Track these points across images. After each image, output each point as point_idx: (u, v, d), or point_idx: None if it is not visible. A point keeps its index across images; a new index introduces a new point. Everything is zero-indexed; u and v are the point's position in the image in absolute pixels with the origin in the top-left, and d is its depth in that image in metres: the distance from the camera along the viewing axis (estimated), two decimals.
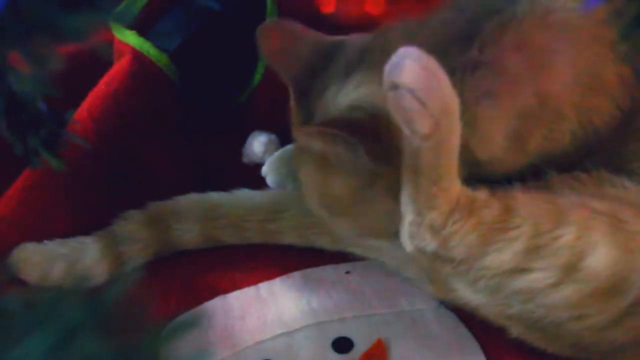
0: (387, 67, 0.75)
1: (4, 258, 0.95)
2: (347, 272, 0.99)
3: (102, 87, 1.04)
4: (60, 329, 0.50)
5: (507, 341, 0.90)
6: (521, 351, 0.90)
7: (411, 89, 0.75)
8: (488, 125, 0.82)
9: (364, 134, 0.79)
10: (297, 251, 1.02)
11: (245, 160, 1.13)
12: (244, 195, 1.03)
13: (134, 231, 1.01)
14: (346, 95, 0.84)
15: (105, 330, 0.51)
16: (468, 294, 0.87)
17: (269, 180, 1.08)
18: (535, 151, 0.85)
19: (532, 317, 0.84)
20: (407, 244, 0.83)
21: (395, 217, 0.84)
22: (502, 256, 0.81)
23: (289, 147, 1.10)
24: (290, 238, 1.01)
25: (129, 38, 1.09)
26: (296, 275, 0.99)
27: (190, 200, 1.03)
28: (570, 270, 0.80)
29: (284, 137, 1.13)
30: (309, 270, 1.00)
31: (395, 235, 0.85)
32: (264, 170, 1.09)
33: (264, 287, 0.98)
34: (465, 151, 0.81)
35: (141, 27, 1.11)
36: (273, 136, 1.13)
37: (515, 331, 0.88)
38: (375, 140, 0.80)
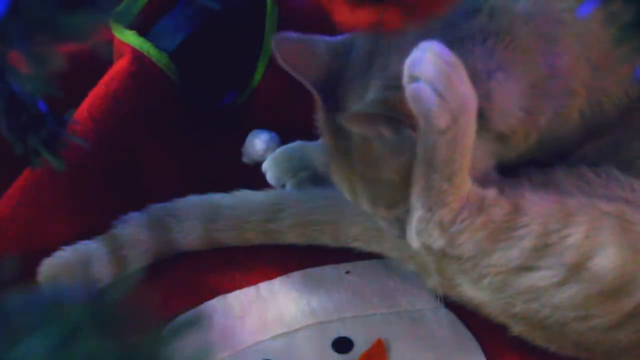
0: (408, 60, 0.76)
1: (4, 257, 0.95)
2: (347, 272, 0.99)
3: (102, 87, 1.04)
4: (61, 329, 0.50)
5: (506, 341, 0.91)
6: (521, 350, 0.90)
7: (431, 82, 0.75)
8: (506, 97, 0.81)
9: (403, 110, 0.79)
10: (297, 251, 1.02)
11: (245, 159, 1.13)
12: (244, 196, 1.03)
13: (135, 234, 1.00)
14: (376, 80, 0.83)
15: (106, 330, 0.51)
16: (472, 291, 0.87)
17: (269, 176, 1.08)
18: (546, 127, 0.85)
19: (536, 316, 0.84)
20: (414, 241, 0.83)
21: None
22: (509, 254, 0.81)
23: (289, 145, 1.10)
24: (291, 237, 1.01)
25: (129, 38, 1.09)
26: (296, 275, 0.99)
27: (190, 202, 1.02)
28: (577, 269, 0.81)
29: (283, 136, 1.13)
30: (309, 270, 1.00)
31: None
32: (265, 166, 1.09)
33: (264, 287, 0.98)
34: (486, 125, 0.81)
35: (141, 27, 1.11)
36: (274, 134, 1.13)
37: (517, 329, 0.89)
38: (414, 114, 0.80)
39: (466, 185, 0.81)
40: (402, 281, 0.97)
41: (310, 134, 1.07)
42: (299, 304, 0.96)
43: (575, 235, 0.81)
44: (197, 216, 1.01)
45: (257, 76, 1.14)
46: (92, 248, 0.99)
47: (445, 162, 0.79)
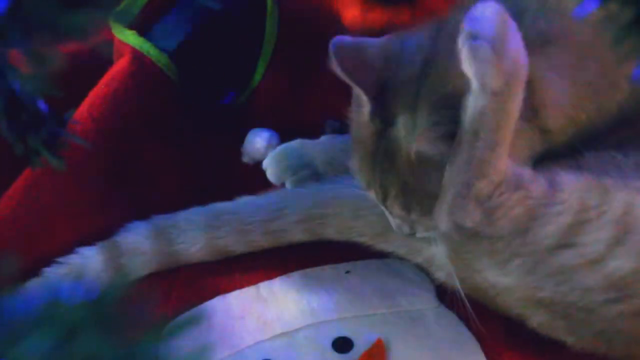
0: (467, 18, 0.76)
1: (4, 257, 0.95)
2: (347, 272, 0.99)
3: (102, 87, 1.04)
4: (60, 329, 0.50)
5: (507, 341, 0.90)
6: (521, 350, 0.90)
7: (490, 41, 0.75)
8: (558, 96, 0.82)
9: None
10: (297, 251, 1.01)
11: (245, 159, 1.13)
12: (246, 200, 1.02)
13: (137, 243, 1.00)
14: (430, 96, 0.83)
15: (105, 330, 0.51)
16: (496, 276, 0.86)
17: (269, 174, 1.08)
18: (586, 121, 0.85)
19: (564, 300, 0.84)
20: (445, 221, 0.82)
21: None
22: (545, 231, 0.81)
23: (289, 143, 1.10)
24: (295, 235, 1.01)
25: (129, 38, 1.09)
26: (296, 275, 0.99)
27: (193, 212, 1.02)
28: (615, 246, 0.80)
29: (283, 135, 1.13)
30: (309, 270, 1.00)
31: None
32: (265, 163, 1.09)
33: (264, 287, 0.98)
34: (534, 120, 0.82)
35: (141, 27, 1.11)
36: (274, 133, 1.13)
37: (537, 320, 0.88)
38: None
39: (506, 160, 0.80)
40: (403, 281, 0.97)
41: (310, 133, 1.08)
42: (299, 303, 0.96)
43: (614, 211, 0.81)
44: (200, 224, 1.01)
45: (257, 76, 1.14)
46: (92, 255, 0.99)
47: (492, 128, 0.78)
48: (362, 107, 0.87)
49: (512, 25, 0.78)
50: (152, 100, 1.08)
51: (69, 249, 0.99)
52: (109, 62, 1.09)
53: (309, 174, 1.06)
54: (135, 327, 0.53)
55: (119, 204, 1.03)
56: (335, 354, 0.91)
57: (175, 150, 1.10)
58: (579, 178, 0.83)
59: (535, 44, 0.81)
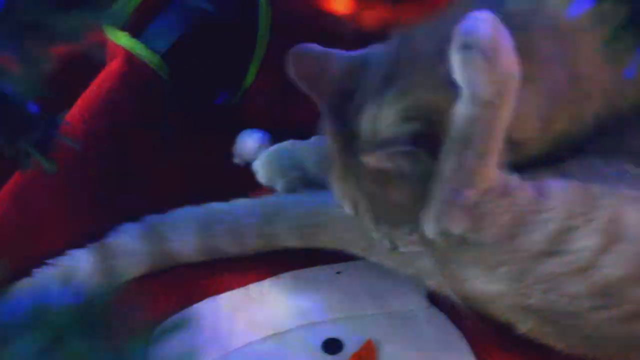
0: (462, 27, 0.77)
1: None
2: (338, 273, 0.99)
3: (95, 88, 1.04)
4: (48, 332, 0.50)
5: (497, 342, 0.91)
6: (511, 351, 0.91)
7: (484, 50, 0.76)
8: (525, 107, 0.82)
9: (426, 142, 0.80)
10: (288, 252, 1.01)
11: (237, 160, 1.13)
12: (240, 201, 1.02)
13: (128, 245, 1.00)
14: (392, 108, 0.84)
15: (93, 334, 0.51)
16: (485, 284, 0.86)
17: (260, 175, 1.08)
18: (560, 131, 0.85)
19: (552, 307, 0.84)
20: (432, 228, 0.82)
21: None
22: (533, 238, 0.81)
23: (280, 144, 1.10)
24: (288, 239, 1.00)
25: (122, 39, 1.09)
26: (286, 276, 0.99)
27: (186, 211, 1.02)
28: (603, 253, 0.81)
29: (275, 136, 1.12)
30: (299, 271, 1.00)
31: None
32: (256, 165, 1.09)
33: (253, 288, 0.98)
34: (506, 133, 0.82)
35: (134, 28, 1.11)
36: (265, 134, 1.13)
37: (526, 327, 0.88)
38: (437, 143, 0.81)
39: (494, 167, 0.81)
40: (394, 282, 0.97)
41: (301, 134, 1.08)
42: (289, 305, 0.96)
43: (601, 218, 0.81)
44: (193, 224, 1.01)
45: (250, 77, 1.14)
46: (82, 257, 0.99)
47: (482, 137, 0.79)
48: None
49: (505, 35, 0.78)
50: (144, 101, 1.08)
51: (60, 251, 0.99)
52: (102, 64, 1.09)
53: (300, 175, 1.06)
54: (123, 331, 0.53)
55: (111, 206, 1.03)
56: (326, 355, 0.91)
57: (168, 151, 1.10)
58: (565, 185, 0.83)
59: None
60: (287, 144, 1.09)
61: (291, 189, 1.06)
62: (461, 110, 0.79)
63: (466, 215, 0.81)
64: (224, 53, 1.15)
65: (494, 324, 0.90)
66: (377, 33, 0.91)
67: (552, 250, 0.82)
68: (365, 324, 0.94)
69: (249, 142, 1.12)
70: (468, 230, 0.82)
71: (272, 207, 1.01)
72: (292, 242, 1.00)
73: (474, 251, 0.84)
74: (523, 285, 0.84)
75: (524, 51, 0.81)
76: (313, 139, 1.08)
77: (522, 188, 0.82)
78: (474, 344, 0.92)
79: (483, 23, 0.77)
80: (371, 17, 1.11)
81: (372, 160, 0.82)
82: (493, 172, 0.81)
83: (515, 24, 0.81)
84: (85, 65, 1.04)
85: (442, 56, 0.80)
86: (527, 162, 0.85)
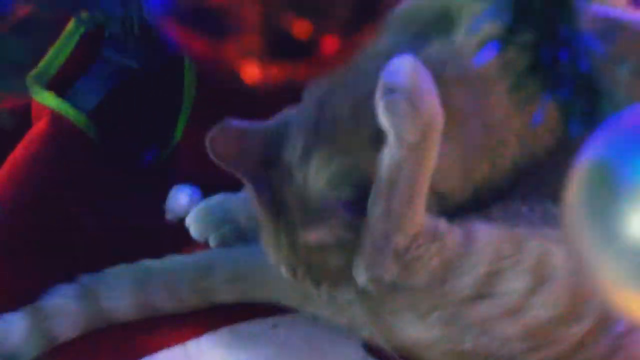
0: (385, 71, 0.78)
1: None
2: (275, 326, 0.99)
3: (22, 150, 1.03)
4: None
5: None
6: None
7: (408, 93, 0.77)
8: (444, 160, 0.83)
9: (358, 206, 0.81)
10: (225, 306, 1.01)
11: (169, 216, 1.12)
12: (174, 257, 1.02)
13: (63, 305, 0.98)
14: (319, 175, 0.84)
15: None
16: (418, 331, 0.87)
17: (193, 230, 1.08)
18: (481, 179, 0.87)
19: (486, 351, 0.85)
20: (363, 275, 0.83)
21: None
22: (463, 282, 0.82)
23: (212, 198, 1.10)
24: (224, 294, 1.00)
25: (48, 99, 1.08)
26: (224, 331, 0.99)
27: (120, 269, 1.01)
28: (532, 294, 0.82)
29: (206, 190, 1.12)
30: (236, 325, 0.99)
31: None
32: (188, 220, 1.09)
33: (191, 345, 0.97)
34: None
35: (60, 88, 1.10)
36: (196, 188, 1.13)
37: None
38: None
39: (422, 212, 0.82)
40: (330, 332, 0.97)
41: (233, 187, 1.08)
42: None
43: (528, 260, 0.82)
44: (128, 282, 1.00)
45: (178, 133, 1.14)
46: (15, 321, 0.97)
47: (409, 182, 0.80)
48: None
49: (427, 78, 0.80)
50: (72, 161, 1.07)
51: None
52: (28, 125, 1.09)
53: (232, 228, 1.06)
54: None
55: (44, 267, 1.01)
56: None
57: (99, 210, 1.09)
58: (493, 228, 0.85)
59: None
60: (218, 197, 1.09)
61: (224, 243, 1.06)
62: (387, 155, 0.80)
63: (396, 261, 0.82)
64: (152, 110, 1.15)
65: None
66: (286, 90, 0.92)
67: (482, 293, 0.83)
68: None
69: (180, 198, 1.12)
70: (399, 276, 0.83)
71: (206, 262, 1.01)
72: (228, 296, 1.00)
73: (406, 297, 0.85)
74: (456, 330, 0.85)
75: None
76: (244, 191, 1.08)
77: (451, 232, 0.83)
78: None
79: (405, 67, 0.79)
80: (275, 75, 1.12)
81: (313, 236, 0.83)
82: (421, 217, 0.82)
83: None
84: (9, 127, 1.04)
85: (360, 116, 0.82)
86: (453, 209, 0.87)
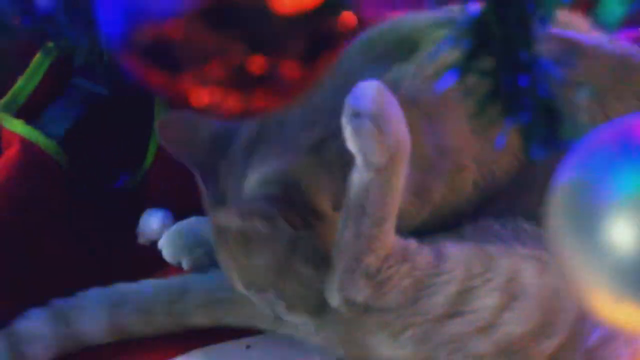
0: (351, 96, 0.79)
1: None
2: (248, 347, 1.00)
3: None
4: None
5: None
6: None
7: (374, 117, 0.78)
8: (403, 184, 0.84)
9: (281, 205, 0.81)
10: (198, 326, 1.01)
11: (141, 240, 1.13)
12: (148, 281, 1.02)
13: (36, 329, 0.98)
14: (255, 172, 0.85)
15: None
16: (391, 350, 0.87)
17: (165, 254, 1.08)
18: (441, 201, 0.88)
19: None
20: (335, 297, 0.84)
21: (313, 285, 0.86)
22: (434, 300, 0.83)
23: (184, 221, 1.10)
24: (198, 318, 1.00)
25: (17, 127, 1.09)
26: (197, 353, 0.99)
27: (94, 293, 1.01)
28: (503, 311, 0.83)
29: (178, 214, 1.13)
30: (209, 347, 1.00)
31: (314, 306, 0.87)
32: (161, 243, 1.09)
33: None
34: None
35: (29, 115, 1.11)
36: (168, 212, 1.14)
37: None
38: (292, 208, 0.82)
39: (392, 233, 0.83)
40: (305, 352, 0.98)
41: (204, 211, 1.08)
42: None
43: (499, 277, 0.84)
44: (101, 306, 1.00)
45: (149, 157, 1.14)
46: None
47: (378, 204, 0.81)
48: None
49: (393, 101, 0.81)
50: (43, 189, 1.08)
51: None
52: None
53: (205, 251, 1.06)
54: None
55: (16, 292, 1.01)
56: None
57: (71, 237, 1.09)
58: (463, 247, 0.86)
59: None
60: (190, 221, 1.10)
61: (197, 266, 1.06)
62: (356, 178, 0.81)
63: (368, 282, 0.83)
64: (122, 135, 1.15)
65: None
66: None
67: (454, 311, 0.84)
68: None
69: (152, 222, 1.12)
70: (371, 297, 0.84)
71: (180, 286, 1.01)
72: (201, 320, 1.00)
73: (379, 317, 0.86)
74: (429, 348, 0.86)
75: None
76: None
77: (421, 252, 0.85)
78: None
79: (370, 91, 0.79)
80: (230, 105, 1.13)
81: (221, 218, 0.84)
82: (391, 238, 0.83)
83: None
84: None
85: (306, 124, 0.83)
86: (423, 229, 0.88)
